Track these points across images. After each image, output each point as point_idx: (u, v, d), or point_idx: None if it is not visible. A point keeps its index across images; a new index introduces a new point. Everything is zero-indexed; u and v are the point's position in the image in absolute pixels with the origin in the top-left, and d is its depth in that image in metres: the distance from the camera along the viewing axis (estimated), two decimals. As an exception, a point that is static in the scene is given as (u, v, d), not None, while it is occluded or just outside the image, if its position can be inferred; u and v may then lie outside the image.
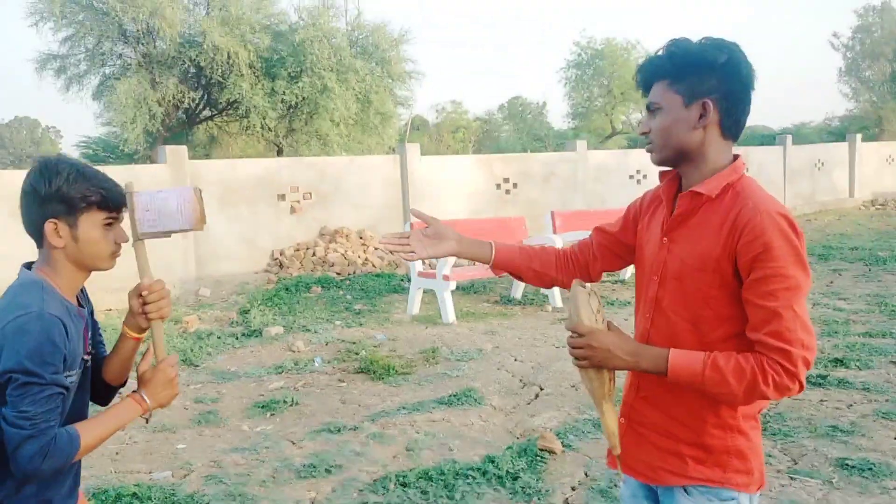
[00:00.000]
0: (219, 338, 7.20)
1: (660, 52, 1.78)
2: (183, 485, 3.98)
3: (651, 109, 1.79)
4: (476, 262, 2.10)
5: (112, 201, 1.82)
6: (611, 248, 2.06)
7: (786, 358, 1.60)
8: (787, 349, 1.60)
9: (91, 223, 1.80)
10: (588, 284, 1.79)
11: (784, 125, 33.42)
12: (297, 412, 5.15)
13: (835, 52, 33.27)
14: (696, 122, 1.73)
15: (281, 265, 10.54)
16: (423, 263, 8.74)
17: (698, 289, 1.72)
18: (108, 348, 2.05)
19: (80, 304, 1.91)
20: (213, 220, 10.15)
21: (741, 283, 1.68)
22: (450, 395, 5.28)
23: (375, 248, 11.22)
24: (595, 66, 31.68)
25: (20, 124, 64.03)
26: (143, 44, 15.45)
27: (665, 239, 1.82)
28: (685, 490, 1.78)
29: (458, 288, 8.89)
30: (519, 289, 9.00)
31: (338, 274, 10.30)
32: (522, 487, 3.83)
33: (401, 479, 3.93)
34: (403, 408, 5.10)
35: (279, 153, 17.35)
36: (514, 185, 13.48)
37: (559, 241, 8.30)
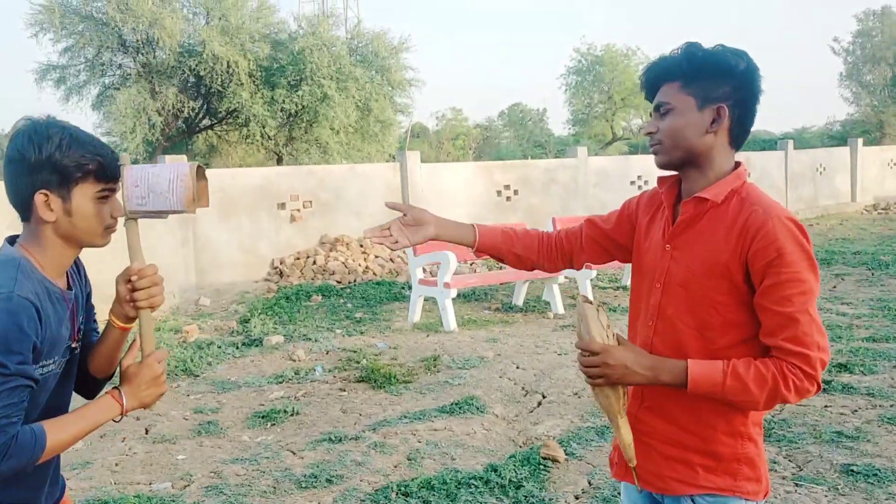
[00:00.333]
0: (219, 347, 7.17)
1: (675, 53, 1.76)
2: (183, 496, 3.95)
3: (661, 110, 1.75)
4: (465, 253, 2.07)
5: (109, 171, 1.66)
6: (600, 243, 2.03)
7: (805, 362, 1.60)
8: (806, 353, 1.60)
9: (85, 195, 1.63)
10: (595, 299, 1.76)
11: (785, 130, 33.44)
12: (297, 422, 5.11)
13: (835, 57, 33.38)
14: (708, 126, 1.72)
15: (281, 274, 10.51)
16: (425, 271, 8.72)
17: (706, 295, 1.70)
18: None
19: (69, 286, 1.73)
20: (213, 229, 10.14)
21: (750, 289, 1.67)
22: (451, 404, 5.25)
23: (376, 257, 11.20)
24: (595, 73, 31.77)
25: (21, 135, 64.13)
26: (142, 53, 15.49)
27: (668, 246, 1.79)
28: (692, 499, 1.76)
29: (459, 295, 8.86)
30: (520, 296, 8.97)
31: (338, 282, 10.27)
32: (525, 496, 3.79)
33: (402, 488, 3.89)
34: (405, 417, 5.07)
35: (279, 162, 17.36)
36: (515, 192, 13.46)
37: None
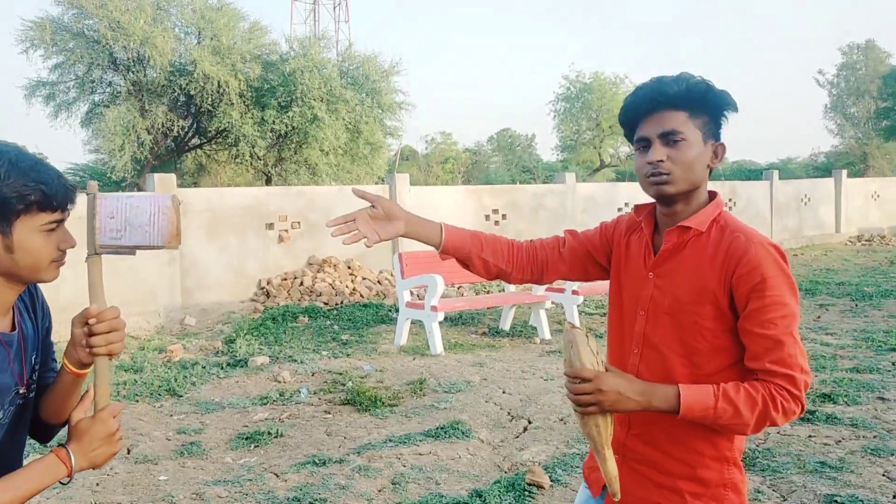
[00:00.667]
0: (203, 367, 7.11)
1: (677, 81, 1.74)
2: (164, 518, 3.90)
3: (672, 139, 1.72)
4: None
5: (56, 199, 1.47)
6: (581, 258, 2.00)
7: (791, 383, 1.64)
8: (792, 374, 1.64)
9: (29, 228, 1.46)
10: (582, 326, 1.75)
11: (770, 160, 33.82)
12: (281, 444, 5.07)
13: (820, 89, 33.81)
14: (710, 160, 1.77)
15: (268, 294, 10.47)
16: (412, 294, 8.70)
17: (694, 322, 1.72)
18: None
19: (14, 325, 1.57)
20: (200, 248, 10.10)
21: (734, 314, 1.70)
22: (437, 428, 5.23)
23: (364, 279, 11.18)
24: (584, 100, 32.03)
25: (8, 150, 63.77)
26: (133, 72, 15.48)
27: (651, 274, 1.81)
28: None
29: (445, 319, 8.85)
30: (507, 321, 8.97)
31: (325, 304, 10.24)
32: (510, 523, 3.77)
33: (386, 513, 3.86)
34: (390, 440, 5.04)
35: (268, 182, 17.35)
36: (503, 217, 13.51)
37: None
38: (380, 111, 17.53)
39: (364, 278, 11.19)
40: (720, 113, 1.77)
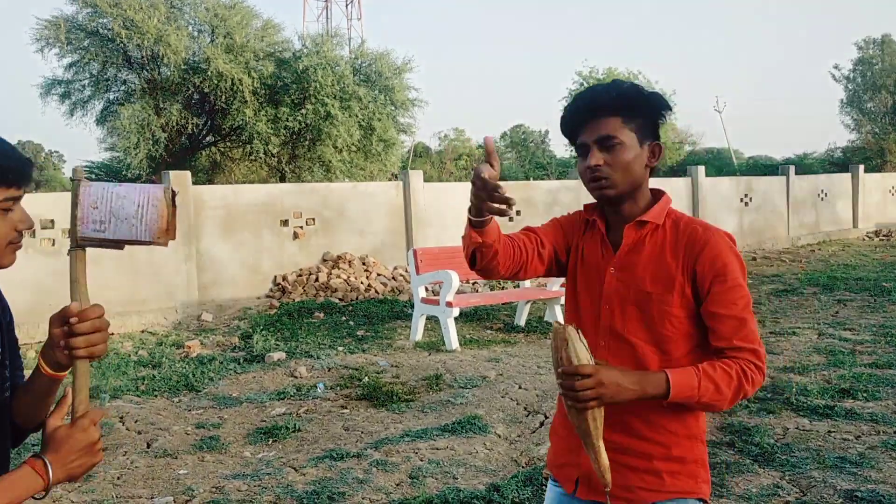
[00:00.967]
0: (221, 363, 7.16)
1: (608, 90, 1.82)
2: (184, 511, 3.93)
3: (608, 144, 1.80)
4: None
5: (12, 174, 1.35)
6: (552, 257, 1.98)
7: (756, 356, 1.77)
8: (756, 349, 1.78)
9: None
10: (568, 323, 1.74)
11: (787, 155, 33.49)
12: (299, 438, 5.10)
13: (836, 84, 33.49)
14: (647, 160, 1.86)
15: (283, 290, 10.51)
16: (427, 290, 8.71)
17: (662, 311, 1.82)
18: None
19: None
20: (216, 245, 10.15)
21: (696, 301, 1.82)
22: (454, 423, 5.23)
23: (378, 275, 11.21)
24: (597, 96, 31.84)
25: (23, 148, 64.31)
26: (147, 70, 15.59)
27: (612, 269, 1.88)
28: None
29: (461, 315, 8.85)
30: (522, 316, 8.96)
31: (340, 300, 10.27)
32: (528, 517, 3.77)
33: (405, 507, 3.87)
34: (407, 435, 5.05)
35: (282, 179, 17.42)
36: (518, 213, 13.48)
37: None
38: (393, 108, 17.55)
39: (379, 274, 11.22)
40: (655, 114, 1.86)
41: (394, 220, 11.98)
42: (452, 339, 7.76)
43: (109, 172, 21.08)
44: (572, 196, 14.26)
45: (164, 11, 14.90)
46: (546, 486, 4.13)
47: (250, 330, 8.68)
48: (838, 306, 9.81)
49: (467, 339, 8.16)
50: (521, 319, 8.96)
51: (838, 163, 29.94)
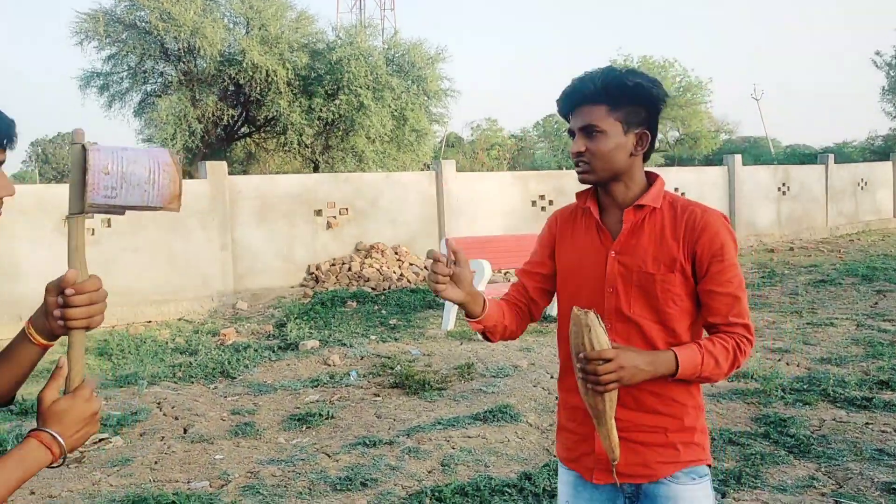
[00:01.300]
0: (256, 350, 7.26)
1: (594, 78, 1.86)
2: (220, 495, 4.01)
3: (589, 131, 1.87)
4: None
5: None
6: (544, 287, 2.13)
7: (748, 331, 1.88)
8: (748, 323, 1.89)
9: None
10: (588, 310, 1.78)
11: (826, 144, 32.83)
12: (332, 425, 5.16)
13: (878, 71, 32.72)
14: (633, 149, 1.90)
15: (317, 279, 10.61)
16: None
17: (665, 290, 1.88)
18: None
19: None
20: (251, 234, 10.27)
21: (694, 279, 1.89)
22: (485, 412, 5.25)
23: (411, 265, 11.25)
24: (631, 84, 31.52)
25: (63, 140, 65.53)
26: (184, 62, 15.76)
27: (613, 252, 1.93)
28: (673, 477, 1.90)
29: (493, 304, 8.85)
30: (554, 306, 8.92)
31: (373, 289, 10.34)
32: (560, 505, 3.78)
33: (436, 494, 3.91)
34: (439, 423, 5.09)
35: (315, 169, 17.53)
36: (550, 202, 13.45)
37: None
38: (425, 98, 17.54)
39: (411, 264, 11.26)
40: (644, 103, 1.88)
41: (426, 210, 12.01)
42: (484, 328, 7.77)
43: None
44: (606, 186, 14.15)
45: (200, 4, 15.04)
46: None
47: (284, 318, 8.78)
48: (877, 297, 9.63)
49: (499, 329, 8.16)
50: (553, 309, 8.91)
51: (879, 151, 29.26)
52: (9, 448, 1.33)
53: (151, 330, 8.46)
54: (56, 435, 1.28)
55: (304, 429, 5.11)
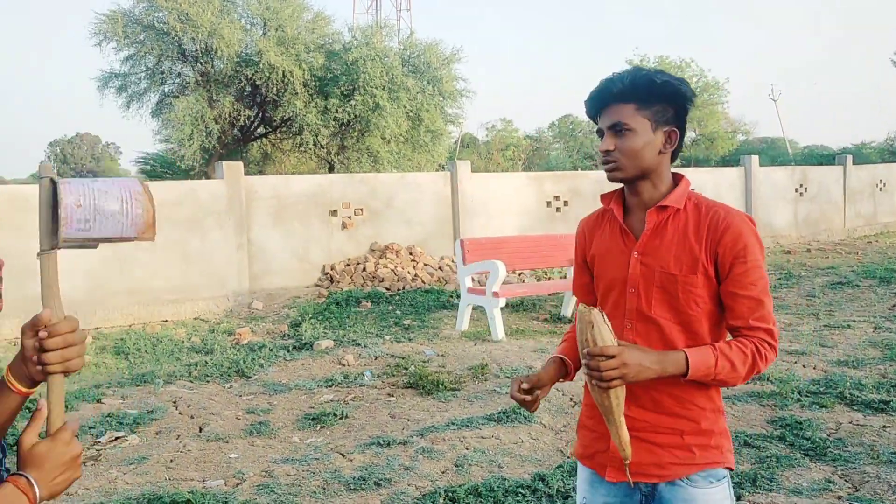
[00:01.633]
0: (270, 350, 7.29)
1: (622, 77, 1.89)
2: (235, 493, 4.03)
3: (619, 130, 1.89)
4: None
5: None
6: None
7: (770, 336, 1.86)
8: (771, 328, 1.86)
9: None
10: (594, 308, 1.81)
11: (844, 145, 32.57)
12: (346, 425, 5.18)
13: (896, 71, 32.42)
14: (661, 146, 1.91)
15: (332, 280, 10.64)
16: (473, 280, 8.74)
17: (687, 291, 1.88)
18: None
19: None
20: (266, 234, 10.32)
21: (717, 281, 1.88)
22: (499, 412, 5.25)
23: (425, 265, 11.27)
24: (647, 85, 31.41)
25: (81, 140, 66.11)
26: (201, 63, 15.86)
27: (636, 253, 1.94)
28: (689, 479, 1.90)
29: (507, 305, 8.86)
30: (569, 307, 8.92)
31: (387, 289, 10.36)
32: (573, 506, 3.78)
33: (450, 494, 3.91)
34: (452, 423, 5.09)
35: (331, 170, 17.59)
36: (565, 203, 13.42)
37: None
38: (441, 99, 17.56)
39: (426, 264, 11.27)
40: (672, 101, 1.89)
41: (441, 211, 12.02)
42: (498, 329, 7.78)
43: (164, 164, 21.54)
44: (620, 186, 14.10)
45: (217, 5, 15.14)
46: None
47: (299, 318, 8.82)
48: (895, 299, 9.55)
49: (513, 330, 8.16)
50: (568, 310, 8.92)
51: (899, 152, 28.99)
52: None
53: (167, 329, 8.52)
54: (33, 481, 1.24)
55: (318, 428, 5.13)
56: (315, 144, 16.58)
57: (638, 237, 1.95)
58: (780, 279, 11.62)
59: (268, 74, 15.23)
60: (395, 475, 4.23)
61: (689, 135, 32.93)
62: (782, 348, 6.97)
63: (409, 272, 10.89)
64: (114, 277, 8.67)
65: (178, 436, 5.02)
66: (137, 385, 6.32)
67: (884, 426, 4.84)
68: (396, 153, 17.27)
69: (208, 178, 14.20)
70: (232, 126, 16.72)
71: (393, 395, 5.86)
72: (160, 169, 21.85)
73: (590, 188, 13.76)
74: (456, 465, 4.37)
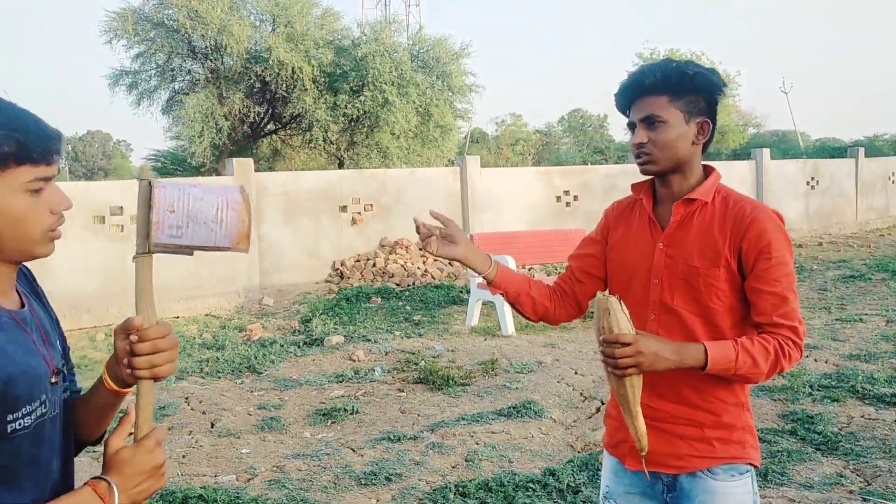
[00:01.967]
0: (281, 346, 7.32)
1: (654, 69, 1.89)
2: (247, 488, 4.06)
3: (651, 122, 1.88)
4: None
5: (38, 148, 1.18)
6: (590, 271, 2.15)
7: (795, 333, 1.84)
8: (795, 326, 1.84)
9: (9, 188, 1.17)
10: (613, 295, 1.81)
11: (856, 137, 32.37)
12: (357, 420, 5.20)
13: (909, 62, 32.13)
14: (694, 138, 1.91)
15: (342, 275, 10.67)
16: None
17: (710, 285, 1.87)
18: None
19: (22, 303, 1.30)
20: (276, 231, 10.36)
21: (741, 276, 1.87)
22: (509, 407, 5.26)
23: (435, 260, 11.27)
24: (657, 79, 31.26)
25: (92, 138, 66.43)
26: (211, 60, 15.89)
27: (661, 244, 1.94)
28: (710, 471, 1.90)
29: (517, 300, 8.83)
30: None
31: (397, 285, 10.38)
32: (584, 501, 3.79)
33: (460, 489, 3.93)
34: (463, 418, 5.10)
35: (340, 166, 17.60)
36: (575, 198, 13.39)
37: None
38: (450, 94, 17.52)
39: (435, 260, 11.28)
40: (705, 92, 1.89)
41: (451, 206, 12.02)
42: (508, 324, 7.78)
43: (175, 161, 21.62)
44: (631, 181, 13.96)
45: (227, 2, 15.15)
46: (601, 471, 4.13)
47: (310, 314, 8.85)
48: (909, 293, 9.49)
49: (523, 325, 8.16)
50: (579, 305, 8.91)
51: (912, 144, 28.76)
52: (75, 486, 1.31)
53: (179, 325, 8.57)
54: (113, 486, 1.23)
55: (329, 424, 5.15)
56: (325, 140, 16.59)
57: (665, 228, 1.95)
58: (791, 273, 11.55)
59: (277, 71, 15.25)
60: (405, 470, 4.24)
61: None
62: (794, 342, 6.94)
63: (418, 268, 10.90)
64: (127, 274, 8.72)
65: (190, 431, 5.06)
66: (150, 381, 6.35)
67: (895, 420, 4.82)
68: (406, 149, 17.26)
69: (219, 174, 14.22)
70: (242, 123, 16.76)
71: (403, 391, 5.88)
72: (171, 166, 21.90)
73: (599, 183, 13.72)
74: (466, 460, 4.38)
